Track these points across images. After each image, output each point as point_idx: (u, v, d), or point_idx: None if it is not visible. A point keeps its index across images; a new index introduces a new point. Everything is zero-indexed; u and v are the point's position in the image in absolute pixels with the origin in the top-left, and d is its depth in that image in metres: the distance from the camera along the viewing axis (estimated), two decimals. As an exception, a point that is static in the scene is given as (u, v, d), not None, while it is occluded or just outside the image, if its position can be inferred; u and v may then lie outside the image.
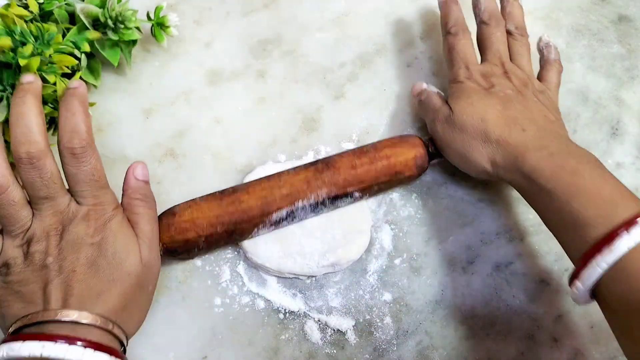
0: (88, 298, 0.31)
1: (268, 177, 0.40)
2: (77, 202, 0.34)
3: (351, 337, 0.40)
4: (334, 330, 0.40)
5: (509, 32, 0.45)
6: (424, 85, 0.45)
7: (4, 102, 0.37)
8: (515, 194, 0.44)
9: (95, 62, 0.45)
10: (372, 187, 0.41)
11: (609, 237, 0.31)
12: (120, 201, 0.36)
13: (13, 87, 0.36)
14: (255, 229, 0.39)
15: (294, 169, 0.41)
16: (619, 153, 0.47)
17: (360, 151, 0.41)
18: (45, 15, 0.42)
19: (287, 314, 0.40)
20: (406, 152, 0.41)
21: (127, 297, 0.33)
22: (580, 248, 0.33)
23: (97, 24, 0.42)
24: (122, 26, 0.42)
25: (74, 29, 0.41)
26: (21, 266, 0.32)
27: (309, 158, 0.45)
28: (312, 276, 0.41)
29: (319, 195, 0.40)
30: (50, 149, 0.33)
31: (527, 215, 0.44)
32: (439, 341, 0.40)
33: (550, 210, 0.36)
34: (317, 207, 0.40)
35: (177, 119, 0.46)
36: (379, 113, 0.47)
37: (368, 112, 0.47)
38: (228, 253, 0.42)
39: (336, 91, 0.48)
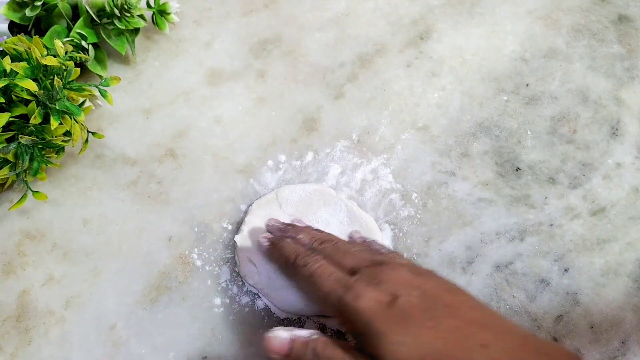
0: None
1: None
2: None
3: (351, 337, 0.40)
4: (333, 330, 0.40)
5: (316, 247, 0.37)
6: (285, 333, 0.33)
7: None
8: (515, 194, 0.44)
9: (101, 52, 0.45)
10: None
11: None
12: None
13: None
14: None
15: None
16: (619, 153, 0.47)
17: None
18: (49, 10, 0.42)
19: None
20: None
21: None
22: None
23: (101, 14, 0.42)
24: (128, 15, 0.43)
25: (80, 20, 0.42)
26: None
27: (309, 158, 0.45)
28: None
29: None
30: None
31: (527, 215, 0.44)
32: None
33: None
34: None
35: (177, 119, 0.46)
36: (379, 113, 0.47)
37: (368, 112, 0.47)
38: (228, 253, 0.42)
39: (336, 91, 0.48)
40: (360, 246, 0.36)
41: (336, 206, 0.42)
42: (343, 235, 0.40)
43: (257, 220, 0.41)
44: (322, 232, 0.38)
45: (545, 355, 0.27)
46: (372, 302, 0.30)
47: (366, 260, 0.33)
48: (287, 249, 0.36)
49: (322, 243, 0.36)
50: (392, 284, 0.30)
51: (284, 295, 0.39)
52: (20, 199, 0.40)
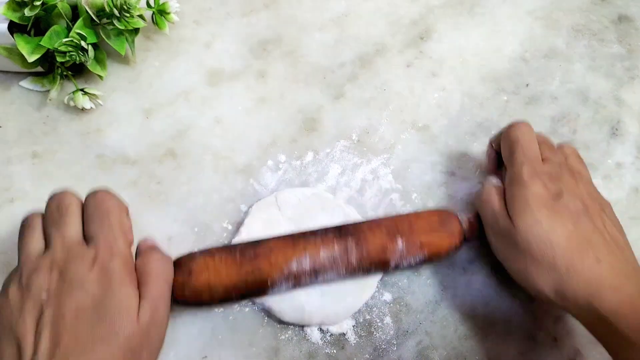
0: (73, 351, 0.29)
1: (292, 243, 0.37)
2: (87, 244, 0.33)
3: (351, 337, 0.40)
4: (335, 334, 0.40)
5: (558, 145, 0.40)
6: (494, 181, 0.39)
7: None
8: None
9: (100, 52, 0.45)
10: (400, 266, 0.39)
11: None
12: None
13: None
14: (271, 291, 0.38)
15: (320, 236, 0.38)
16: (619, 153, 0.47)
17: (394, 230, 0.38)
18: (48, 9, 0.42)
19: (287, 314, 0.40)
20: (442, 242, 0.38)
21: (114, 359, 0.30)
22: None
23: (100, 14, 0.42)
24: (128, 15, 0.42)
25: (80, 21, 0.42)
26: (19, 300, 0.31)
27: (309, 158, 0.45)
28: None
29: (340, 271, 0.38)
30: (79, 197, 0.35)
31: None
32: (439, 341, 0.40)
33: (627, 358, 0.31)
34: (338, 276, 0.38)
35: (177, 119, 0.46)
36: (379, 113, 0.47)
37: (368, 112, 0.47)
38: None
39: (336, 91, 0.48)
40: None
41: (334, 212, 0.42)
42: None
43: (256, 223, 0.41)
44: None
45: None
46: (541, 188, 0.35)
47: (561, 163, 0.37)
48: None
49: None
50: (571, 197, 0.35)
51: (285, 304, 0.39)
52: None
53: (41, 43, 0.41)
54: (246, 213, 0.42)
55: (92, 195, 0.35)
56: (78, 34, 0.41)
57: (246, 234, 0.41)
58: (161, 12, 0.47)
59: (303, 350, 0.39)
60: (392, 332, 0.40)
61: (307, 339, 0.39)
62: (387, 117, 0.47)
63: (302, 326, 0.40)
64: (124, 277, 0.32)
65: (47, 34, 0.41)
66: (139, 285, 0.32)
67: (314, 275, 0.37)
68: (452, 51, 0.51)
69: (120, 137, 0.45)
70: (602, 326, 0.32)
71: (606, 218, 0.36)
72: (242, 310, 0.40)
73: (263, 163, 0.45)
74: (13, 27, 0.42)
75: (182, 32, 0.49)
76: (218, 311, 0.40)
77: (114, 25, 0.43)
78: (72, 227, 0.33)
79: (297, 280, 0.37)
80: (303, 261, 0.36)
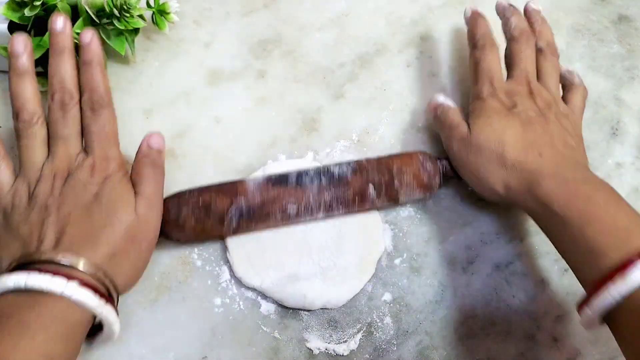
0: (78, 240, 0.33)
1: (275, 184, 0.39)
2: (86, 153, 0.36)
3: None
4: (339, 323, 0.40)
5: (539, 50, 0.43)
6: (441, 99, 0.43)
7: None
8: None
9: None
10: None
11: (623, 266, 0.30)
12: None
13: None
14: (256, 222, 0.39)
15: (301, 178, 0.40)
16: (619, 153, 0.47)
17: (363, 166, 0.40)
18: (48, 9, 0.42)
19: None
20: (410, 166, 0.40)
21: (116, 245, 0.34)
22: (592, 275, 0.32)
23: (100, 14, 0.42)
24: (128, 15, 0.42)
25: (79, 21, 0.42)
26: (25, 205, 0.34)
27: (309, 158, 0.45)
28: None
29: (326, 205, 0.39)
30: (79, 100, 0.37)
31: (527, 216, 0.44)
32: (439, 341, 0.40)
33: (563, 238, 0.35)
34: (325, 211, 0.40)
35: (177, 119, 0.46)
36: (379, 113, 0.47)
37: (368, 112, 0.47)
38: (228, 253, 0.42)
39: (336, 91, 0.48)
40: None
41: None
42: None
43: None
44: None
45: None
46: (497, 103, 0.40)
47: (525, 78, 0.41)
48: (481, 25, 0.44)
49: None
50: (525, 108, 0.39)
51: (287, 293, 0.39)
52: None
53: (41, 43, 0.41)
54: None
55: (94, 113, 0.37)
56: (78, 34, 0.41)
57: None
58: (161, 12, 0.46)
59: (303, 350, 0.39)
60: (392, 332, 0.40)
61: (308, 340, 0.40)
62: (387, 117, 0.47)
63: (302, 329, 0.40)
64: (121, 177, 0.36)
65: (47, 34, 0.41)
66: (134, 185, 0.37)
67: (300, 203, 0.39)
68: (452, 51, 0.51)
69: (120, 137, 0.45)
70: (541, 210, 0.36)
71: (561, 125, 0.39)
72: (242, 311, 0.40)
73: (263, 163, 0.45)
74: (13, 27, 0.42)
75: (182, 32, 0.49)
76: (218, 311, 0.40)
77: (113, 25, 0.43)
78: (73, 139, 0.36)
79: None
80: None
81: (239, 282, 0.41)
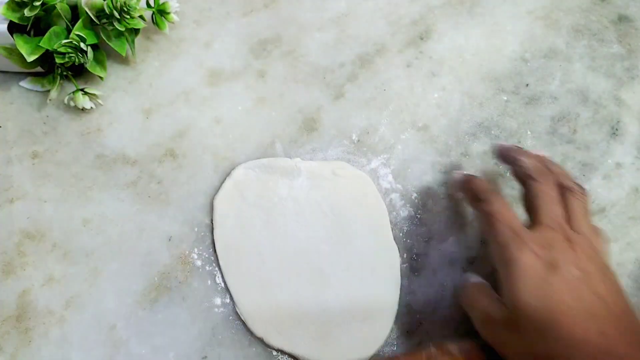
0: None
1: None
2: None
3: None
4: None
5: (568, 189, 0.37)
6: (472, 278, 0.39)
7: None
8: (515, 194, 0.44)
9: (100, 53, 0.45)
10: None
11: None
12: None
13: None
14: None
15: None
16: (619, 153, 0.47)
17: None
18: (48, 10, 0.42)
19: (287, 314, 0.40)
20: None
21: None
22: None
23: (100, 15, 0.42)
24: (128, 16, 0.42)
25: (79, 22, 0.42)
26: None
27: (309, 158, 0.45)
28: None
29: None
30: None
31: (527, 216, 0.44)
32: (438, 341, 0.40)
33: None
34: None
35: (177, 119, 0.46)
36: (379, 113, 0.47)
37: (368, 112, 0.47)
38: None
39: (336, 91, 0.48)
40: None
41: (293, 173, 0.43)
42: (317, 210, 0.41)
43: (226, 221, 0.42)
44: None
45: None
46: (532, 259, 0.33)
47: (557, 223, 0.35)
48: (477, 183, 0.39)
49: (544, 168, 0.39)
50: (568, 266, 0.33)
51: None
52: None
53: (40, 44, 0.41)
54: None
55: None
56: (78, 35, 0.41)
57: (220, 233, 0.41)
58: (161, 12, 0.47)
59: (303, 350, 0.39)
60: (392, 332, 0.40)
61: (307, 339, 0.40)
62: (387, 117, 0.47)
63: (302, 326, 0.40)
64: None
65: (47, 34, 0.41)
66: None
67: None
68: (452, 51, 0.51)
69: (120, 137, 0.45)
70: None
71: (609, 281, 0.33)
72: (242, 310, 0.40)
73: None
74: (13, 27, 0.42)
75: (182, 32, 0.49)
76: (218, 311, 0.40)
77: (113, 26, 0.43)
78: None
79: None
80: None
81: (239, 282, 0.41)
